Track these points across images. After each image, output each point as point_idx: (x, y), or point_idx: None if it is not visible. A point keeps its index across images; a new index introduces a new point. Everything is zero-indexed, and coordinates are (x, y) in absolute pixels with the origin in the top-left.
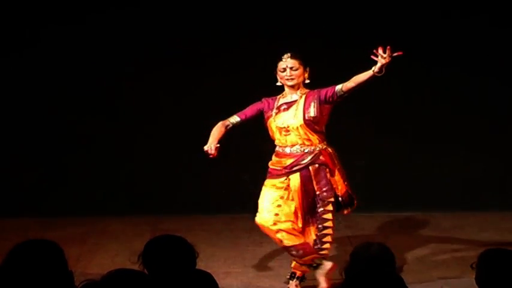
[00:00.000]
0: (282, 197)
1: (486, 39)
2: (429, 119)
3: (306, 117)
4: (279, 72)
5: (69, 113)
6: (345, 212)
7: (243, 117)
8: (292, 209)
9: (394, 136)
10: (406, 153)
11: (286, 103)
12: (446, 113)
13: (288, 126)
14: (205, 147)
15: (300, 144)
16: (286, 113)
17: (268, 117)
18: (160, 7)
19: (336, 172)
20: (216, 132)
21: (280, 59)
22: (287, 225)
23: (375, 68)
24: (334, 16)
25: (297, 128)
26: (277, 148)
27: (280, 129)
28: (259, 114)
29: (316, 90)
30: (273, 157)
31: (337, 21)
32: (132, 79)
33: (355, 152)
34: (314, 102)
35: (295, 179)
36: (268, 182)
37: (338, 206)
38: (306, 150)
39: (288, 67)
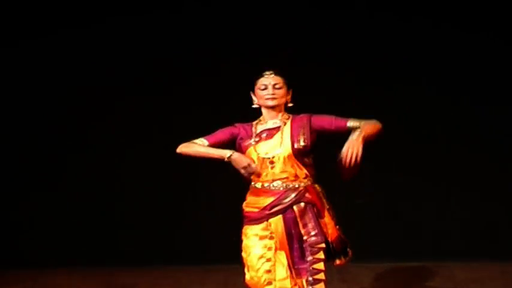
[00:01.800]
0: (269, 248)
1: (500, 75)
2: (442, 156)
3: (295, 146)
4: (257, 91)
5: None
6: (338, 262)
7: (213, 141)
8: (285, 261)
9: (400, 172)
10: (414, 192)
11: (267, 130)
12: (461, 151)
13: (274, 157)
14: (250, 167)
15: (283, 179)
16: (269, 141)
17: (247, 147)
18: (139, 37)
19: (326, 213)
20: (205, 148)
21: (261, 75)
22: (285, 284)
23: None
24: (321, 39)
25: (284, 158)
26: (253, 184)
27: (263, 160)
28: (230, 141)
29: (303, 116)
30: (248, 196)
31: (325, 45)
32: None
33: (352, 187)
34: (304, 130)
35: (277, 223)
36: (248, 231)
37: (328, 255)
38: (289, 186)
39: (270, 84)
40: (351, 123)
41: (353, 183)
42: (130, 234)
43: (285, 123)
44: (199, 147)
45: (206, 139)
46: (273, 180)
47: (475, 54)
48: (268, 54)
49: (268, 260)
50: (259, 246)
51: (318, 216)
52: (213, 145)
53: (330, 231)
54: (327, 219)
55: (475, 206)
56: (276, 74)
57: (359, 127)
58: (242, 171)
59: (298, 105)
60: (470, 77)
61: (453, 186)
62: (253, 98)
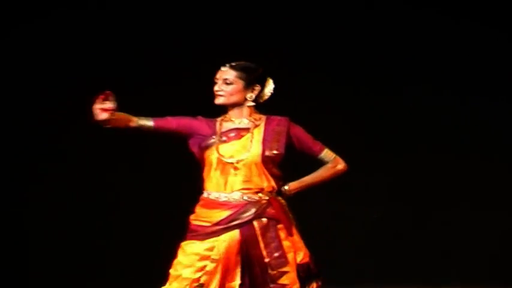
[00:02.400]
0: (208, 273)
1: None
2: (466, 173)
3: (266, 153)
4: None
5: None
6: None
7: (161, 125)
8: None
9: (418, 187)
10: (432, 212)
11: (235, 129)
12: (486, 170)
13: (239, 162)
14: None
15: (244, 190)
16: (236, 142)
17: (208, 146)
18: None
19: (294, 230)
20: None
21: (219, 68)
22: None
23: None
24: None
25: (250, 165)
26: (206, 194)
27: (224, 164)
28: (184, 134)
29: (281, 120)
30: (198, 208)
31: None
32: None
33: (365, 200)
34: (279, 136)
35: (231, 240)
36: (188, 247)
37: (301, 280)
38: (251, 199)
39: (220, 79)
40: (323, 155)
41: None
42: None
43: (256, 125)
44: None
45: (153, 119)
46: (233, 191)
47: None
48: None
49: (202, 287)
50: (195, 268)
51: (287, 234)
52: (157, 129)
53: (301, 251)
54: (297, 238)
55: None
56: (232, 67)
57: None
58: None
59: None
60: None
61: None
62: None
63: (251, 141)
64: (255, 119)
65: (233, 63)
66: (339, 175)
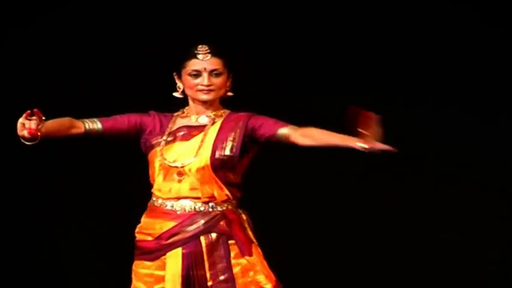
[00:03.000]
0: None
1: None
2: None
3: (217, 156)
4: (186, 77)
5: None
6: None
7: (110, 127)
8: None
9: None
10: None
11: (187, 127)
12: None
13: (183, 167)
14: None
15: (194, 198)
16: (184, 143)
17: (153, 146)
18: None
19: (254, 250)
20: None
21: (192, 54)
22: None
23: (361, 144)
24: None
25: (197, 170)
26: (152, 200)
27: (168, 169)
28: (133, 133)
29: (242, 114)
30: (143, 217)
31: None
32: None
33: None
34: (235, 134)
35: (173, 261)
36: (140, 269)
37: None
38: (200, 209)
39: (206, 71)
40: (284, 129)
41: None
42: None
43: (213, 122)
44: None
45: (100, 120)
46: (179, 198)
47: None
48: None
49: None
50: None
51: (244, 253)
52: (107, 132)
53: (261, 275)
54: (256, 259)
55: None
56: (213, 53)
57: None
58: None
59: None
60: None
61: None
62: (178, 83)
63: (202, 141)
64: (216, 115)
65: (211, 48)
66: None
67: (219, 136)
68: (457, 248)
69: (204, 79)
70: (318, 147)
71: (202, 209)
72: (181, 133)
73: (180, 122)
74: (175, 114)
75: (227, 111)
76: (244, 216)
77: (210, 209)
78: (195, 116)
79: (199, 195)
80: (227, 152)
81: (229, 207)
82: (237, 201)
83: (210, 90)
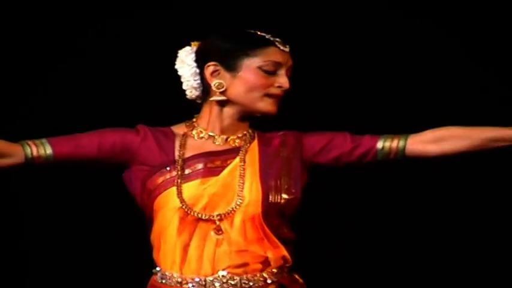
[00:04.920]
0: None
1: None
2: None
3: (271, 199)
4: (253, 72)
5: None
6: None
7: (65, 150)
8: None
9: None
10: None
11: (209, 154)
12: None
13: (222, 219)
14: None
15: (237, 267)
16: (211, 181)
17: (159, 186)
18: None
19: None
20: None
21: (269, 41)
22: None
23: None
24: None
25: (243, 223)
26: (161, 277)
27: (195, 223)
28: (108, 160)
29: (283, 134)
30: None
31: None
32: None
33: None
34: (289, 165)
35: None
36: None
37: None
38: (249, 283)
39: (287, 66)
40: (383, 142)
41: None
42: None
43: (247, 147)
44: None
45: (51, 144)
46: (215, 273)
47: None
48: None
49: None
50: None
51: None
52: (62, 158)
53: None
54: None
55: None
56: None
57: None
58: None
59: None
60: None
61: None
62: (210, 78)
63: (241, 176)
64: (247, 136)
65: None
66: None
67: (265, 167)
68: None
69: (285, 79)
70: (468, 152)
71: (251, 283)
72: (202, 165)
73: (194, 144)
74: (178, 131)
75: (255, 132)
76: (301, 280)
77: (262, 282)
78: (220, 135)
79: (247, 259)
80: (284, 193)
81: (285, 274)
82: (292, 258)
83: (280, 99)
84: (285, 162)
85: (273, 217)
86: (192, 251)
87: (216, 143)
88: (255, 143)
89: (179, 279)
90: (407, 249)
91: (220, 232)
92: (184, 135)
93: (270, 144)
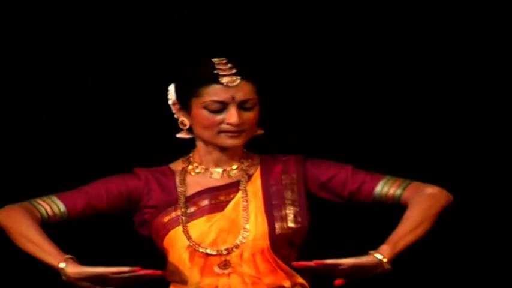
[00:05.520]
0: None
1: None
2: None
3: (278, 230)
4: (200, 112)
5: None
6: None
7: (78, 207)
8: None
9: None
10: None
11: (211, 190)
12: None
13: (230, 253)
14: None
15: None
16: (217, 217)
17: (166, 226)
18: None
19: None
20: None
21: (211, 77)
22: None
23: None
24: None
25: (254, 256)
26: None
27: (205, 259)
28: (118, 208)
29: (288, 159)
30: None
31: None
32: None
33: None
34: (293, 192)
35: None
36: None
37: None
38: None
39: (235, 101)
40: (383, 184)
41: None
42: None
43: (248, 175)
44: (30, 225)
45: (63, 200)
46: None
47: None
48: None
49: None
50: None
51: None
52: (76, 215)
53: None
54: None
55: None
56: (244, 73)
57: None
58: None
59: None
60: None
61: None
62: (181, 117)
63: (245, 210)
64: (247, 165)
65: (237, 66)
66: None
67: (270, 198)
68: None
69: (232, 115)
70: None
71: None
72: (206, 201)
73: (193, 180)
74: (176, 168)
75: (256, 156)
76: None
77: None
78: (216, 168)
79: None
80: (291, 223)
81: None
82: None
83: (240, 132)
84: (289, 190)
85: (283, 248)
86: (206, 287)
87: (213, 177)
88: (257, 173)
89: None
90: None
91: (225, 267)
92: (183, 171)
93: (272, 172)
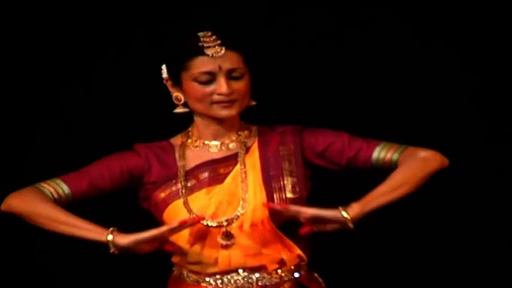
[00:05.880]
0: None
1: None
2: None
3: (277, 201)
4: (191, 85)
5: None
6: None
7: (82, 188)
8: None
9: None
10: None
11: (210, 162)
12: None
13: (230, 224)
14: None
15: (254, 269)
16: (217, 189)
17: (166, 200)
18: None
19: None
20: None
21: (197, 49)
22: None
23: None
24: None
25: (252, 227)
26: (183, 275)
27: (205, 231)
28: (121, 186)
29: (284, 129)
30: None
31: None
32: None
33: None
34: (290, 163)
35: None
36: None
37: None
38: (265, 283)
39: (222, 70)
40: (380, 149)
41: None
42: None
43: (247, 147)
44: (52, 208)
45: (67, 182)
46: (228, 271)
47: None
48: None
49: None
50: None
51: None
52: (81, 196)
53: None
54: None
55: None
56: (229, 43)
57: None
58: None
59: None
60: None
61: None
62: (175, 93)
63: (243, 181)
64: (244, 136)
65: (222, 36)
66: (440, 168)
67: (266, 169)
68: None
69: (221, 85)
70: None
71: (268, 283)
72: (205, 174)
73: (192, 154)
74: (176, 142)
75: (253, 127)
76: (321, 281)
77: (278, 280)
78: (213, 141)
79: (261, 263)
80: (289, 193)
81: (302, 272)
82: (309, 257)
83: (232, 101)
84: (286, 161)
85: (282, 218)
86: (206, 259)
87: (212, 150)
88: (255, 145)
89: (198, 279)
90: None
91: (228, 238)
92: (182, 145)
93: (270, 144)
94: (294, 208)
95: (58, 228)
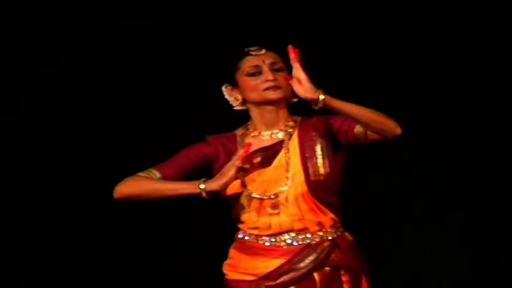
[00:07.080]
0: None
1: None
2: None
3: (312, 178)
4: (244, 79)
5: None
6: None
7: (171, 173)
8: None
9: None
10: None
11: (262, 150)
12: None
13: (278, 196)
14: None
15: (299, 231)
16: (267, 171)
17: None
18: None
19: (364, 283)
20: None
21: (244, 53)
22: None
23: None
24: None
25: (295, 199)
26: (242, 235)
27: (259, 203)
28: (199, 169)
29: (316, 118)
30: (234, 253)
31: None
32: None
33: None
34: (322, 145)
35: None
36: None
37: None
38: (307, 241)
39: (265, 63)
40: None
41: None
42: None
43: (290, 135)
44: (151, 182)
45: (158, 170)
46: (280, 233)
47: None
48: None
49: None
50: None
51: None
52: (171, 178)
53: None
54: None
55: None
56: (268, 47)
57: None
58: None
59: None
60: None
61: None
62: (230, 94)
63: (286, 162)
64: (289, 126)
65: (263, 45)
66: (390, 129)
67: (304, 152)
68: None
69: (267, 73)
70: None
71: (309, 241)
72: (259, 159)
73: (249, 142)
74: (238, 133)
75: (298, 118)
76: (351, 238)
77: (319, 239)
78: (266, 131)
79: (305, 225)
80: (322, 170)
81: (338, 233)
82: (342, 221)
83: (277, 87)
84: (318, 144)
85: (319, 191)
86: (262, 224)
87: (263, 139)
88: (296, 133)
89: (257, 239)
90: None
91: (275, 208)
92: (242, 135)
93: (307, 131)
94: (298, 66)
95: (162, 195)
